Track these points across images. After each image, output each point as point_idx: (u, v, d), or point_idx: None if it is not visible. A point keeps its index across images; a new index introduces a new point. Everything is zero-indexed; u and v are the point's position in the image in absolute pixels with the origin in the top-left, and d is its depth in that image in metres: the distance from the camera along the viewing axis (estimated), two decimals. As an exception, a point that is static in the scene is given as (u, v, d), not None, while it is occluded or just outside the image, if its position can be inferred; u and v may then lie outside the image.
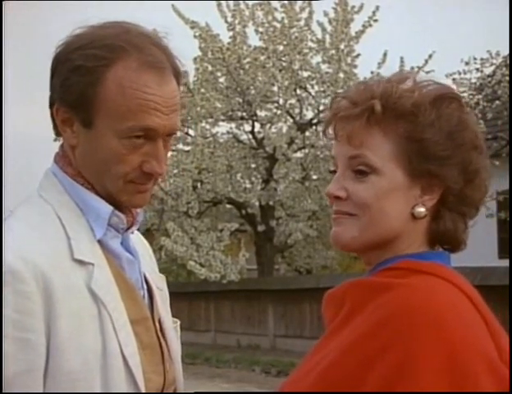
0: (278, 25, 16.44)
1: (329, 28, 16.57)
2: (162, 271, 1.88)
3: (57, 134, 1.65)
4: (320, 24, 16.65)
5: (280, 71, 16.24)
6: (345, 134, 1.51)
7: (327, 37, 16.55)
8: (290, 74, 16.15)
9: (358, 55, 16.48)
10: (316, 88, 16.55)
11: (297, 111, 16.86)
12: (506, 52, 13.70)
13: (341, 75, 16.16)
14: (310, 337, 13.61)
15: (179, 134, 15.74)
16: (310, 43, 16.57)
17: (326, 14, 16.60)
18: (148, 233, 16.22)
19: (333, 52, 16.33)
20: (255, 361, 13.87)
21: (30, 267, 1.48)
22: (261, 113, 16.77)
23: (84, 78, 1.56)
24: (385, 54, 16.50)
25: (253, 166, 16.98)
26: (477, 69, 14.09)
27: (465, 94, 13.19)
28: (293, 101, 16.67)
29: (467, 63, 14.06)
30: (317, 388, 1.42)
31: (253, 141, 17.06)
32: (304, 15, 16.61)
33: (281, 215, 16.80)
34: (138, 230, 1.76)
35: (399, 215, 1.49)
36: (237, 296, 16.49)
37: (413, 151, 1.48)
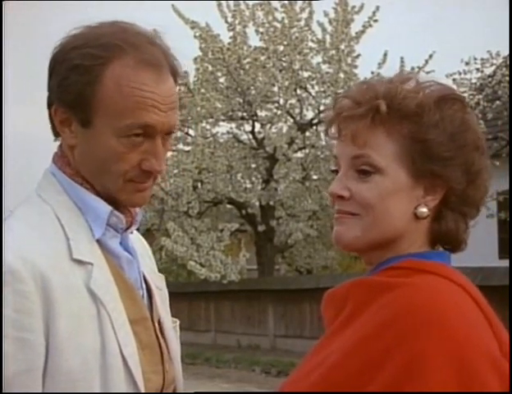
0: (278, 26, 16.44)
1: (329, 28, 16.57)
2: (162, 271, 1.88)
3: (56, 134, 1.65)
4: (320, 24, 16.65)
5: (280, 71, 16.23)
6: (348, 133, 1.51)
7: (328, 37, 16.54)
8: (291, 74, 16.14)
9: (359, 55, 16.47)
10: (316, 88, 16.54)
11: (297, 111, 16.86)
12: (506, 52, 13.70)
13: (342, 75, 16.16)
14: (310, 337, 13.61)
15: (179, 134, 15.78)
16: (310, 44, 16.56)
17: (326, 14, 16.60)
18: (148, 233, 16.22)
19: (333, 52, 16.32)
20: (255, 361, 13.87)
21: (29, 266, 1.48)
22: (261, 113, 16.77)
23: (82, 77, 1.56)
24: (385, 54, 16.50)
25: (253, 166, 16.98)
26: (478, 69, 14.10)
27: (465, 95, 13.18)
28: (293, 101, 16.66)
29: (467, 63, 14.07)
30: (319, 388, 1.42)
31: (253, 141, 17.05)
32: (305, 15, 16.61)
33: (281, 215, 16.80)
34: (138, 230, 1.76)
35: (402, 215, 1.49)
36: (237, 296, 16.49)
37: (417, 151, 1.48)
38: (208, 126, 16.60)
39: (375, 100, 1.49)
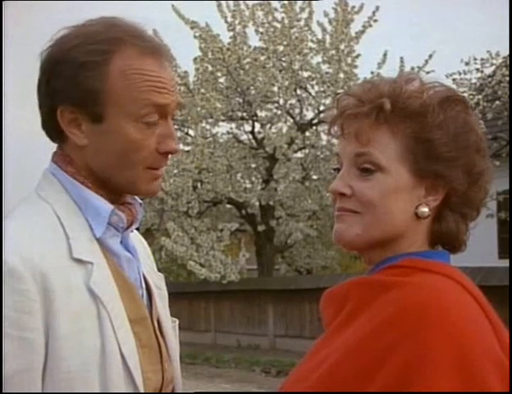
0: (278, 26, 16.44)
1: (329, 28, 16.57)
2: (162, 271, 1.88)
3: (55, 137, 1.64)
4: (320, 24, 16.65)
5: (280, 71, 16.23)
6: (352, 131, 1.51)
7: (327, 37, 16.55)
8: (291, 74, 16.15)
9: (359, 55, 16.47)
10: (316, 88, 16.54)
11: (297, 111, 16.87)
12: (506, 52, 13.69)
13: (341, 75, 16.16)
14: (310, 337, 13.61)
15: (179, 134, 15.79)
16: (310, 44, 16.56)
17: (326, 14, 16.61)
18: (148, 233, 16.23)
19: (333, 52, 16.33)
20: (255, 361, 13.87)
21: (29, 266, 1.47)
22: (261, 113, 16.77)
23: (90, 73, 1.57)
24: (385, 54, 16.51)
25: (253, 166, 16.98)
26: (478, 69, 14.08)
27: (465, 95, 13.17)
28: (293, 101, 16.67)
29: (467, 63, 14.06)
30: (322, 387, 1.42)
31: (253, 141, 17.06)
32: (304, 15, 16.61)
33: (281, 215, 16.80)
34: (138, 230, 1.76)
35: (403, 214, 1.50)
36: (237, 296, 16.50)
37: (420, 151, 1.49)
38: (208, 126, 16.60)
39: (379, 99, 1.50)
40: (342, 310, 1.50)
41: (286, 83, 16.19)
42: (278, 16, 16.53)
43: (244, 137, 17.17)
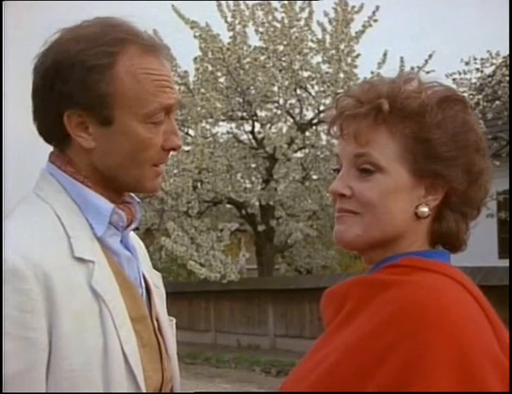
0: (278, 25, 16.43)
1: (329, 28, 16.56)
2: (162, 271, 1.89)
3: (59, 141, 1.63)
4: (320, 24, 16.64)
5: (280, 71, 16.23)
6: (351, 132, 1.52)
7: (327, 37, 16.54)
8: (291, 74, 16.14)
9: (359, 55, 16.46)
10: (316, 88, 16.53)
11: (297, 111, 16.86)
12: (506, 52, 13.69)
13: (341, 75, 16.15)
14: (310, 337, 13.60)
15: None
16: (310, 43, 16.55)
17: (326, 14, 16.60)
18: (148, 233, 16.24)
19: (333, 52, 16.32)
20: (255, 361, 13.87)
21: (31, 265, 1.48)
22: (261, 113, 16.77)
23: (100, 76, 1.57)
24: (385, 54, 16.50)
25: (253, 166, 16.98)
26: (478, 69, 14.09)
27: (465, 94, 13.17)
28: (293, 101, 16.66)
29: (467, 63, 14.06)
30: (322, 387, 1.42)
31: (253, 141, 17.05)
32: (304, 15, 16.60)
33: (281, 215, 16.79)
34: (138, 229, 1.77)
35: (403, 214, 1.50)
36: (237, 296, 16.49)
37: (419, 151, 1.49)
38: (208, 126, 16.60)
39: (378, 99, 1.50)
40: (342, 309, 1.50)
41: (286, 83, 16.18)
42: (278, 15, 16.53)
43: (244, 137, 17.17)
